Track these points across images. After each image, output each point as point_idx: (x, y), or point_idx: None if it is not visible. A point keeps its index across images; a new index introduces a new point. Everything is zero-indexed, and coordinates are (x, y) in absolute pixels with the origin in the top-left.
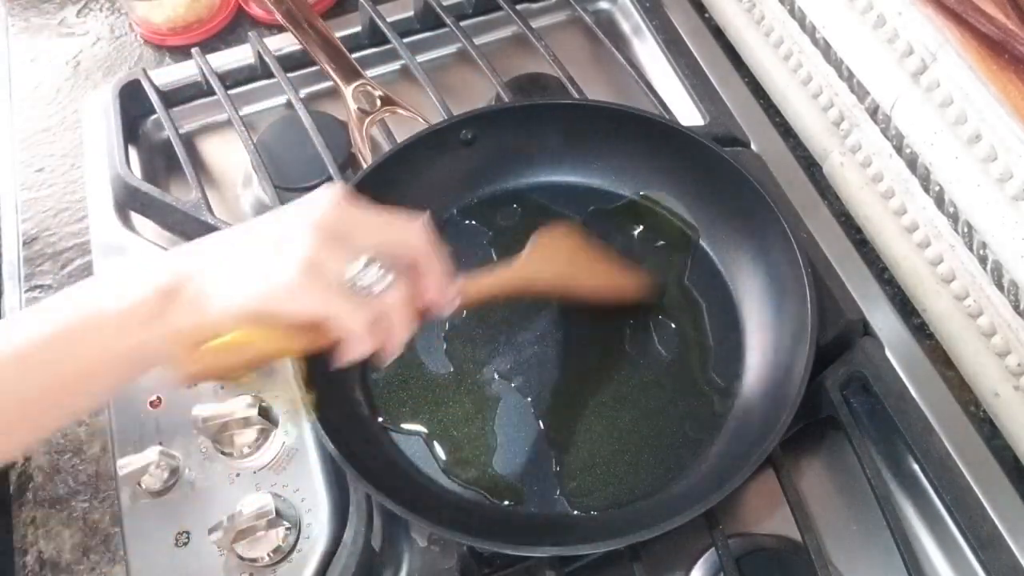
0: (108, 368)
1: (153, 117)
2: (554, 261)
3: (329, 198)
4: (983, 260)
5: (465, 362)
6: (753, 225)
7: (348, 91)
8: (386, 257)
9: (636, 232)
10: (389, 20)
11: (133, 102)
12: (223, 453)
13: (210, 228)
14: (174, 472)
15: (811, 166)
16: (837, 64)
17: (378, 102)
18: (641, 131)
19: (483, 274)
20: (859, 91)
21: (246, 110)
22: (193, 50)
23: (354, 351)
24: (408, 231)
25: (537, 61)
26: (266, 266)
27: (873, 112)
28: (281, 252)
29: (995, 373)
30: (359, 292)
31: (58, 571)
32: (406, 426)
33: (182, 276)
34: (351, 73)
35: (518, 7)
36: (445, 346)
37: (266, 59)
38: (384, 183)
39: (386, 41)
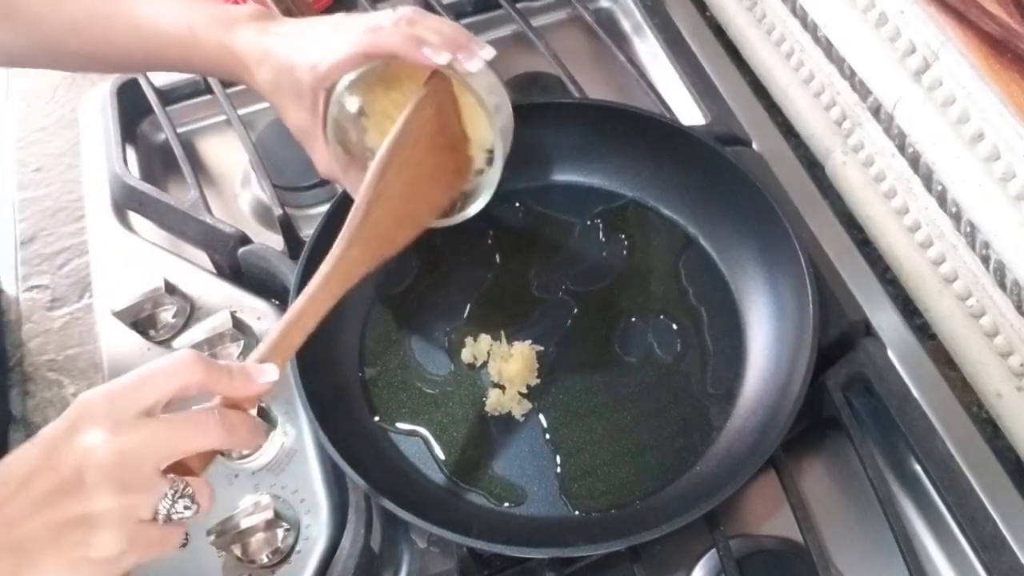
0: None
1: (151, 116)
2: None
3: (96, 447)
4: (986, 260)
5: (465, 361)
6: (754, 225)
7: None
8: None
9: (636, 232)
10: None
11: (131, 101)
12: (221, 454)
13: (209, 228)
14: None
15: (813, 165)
16: (839, 63)
17: None
18: (642, 130)
19: (278, 331)
20: (861, 90)
21: (244, 109)
22: None
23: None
24: (179, 377)
25: (537, 60)
26: (80, 552)
27: (875, 111)
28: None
29: (998, 373)
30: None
31: None
32: (405, 426)
33: None
34: None
35: (518, 5)
36: (446, 346)
37: None
38: None
39: None
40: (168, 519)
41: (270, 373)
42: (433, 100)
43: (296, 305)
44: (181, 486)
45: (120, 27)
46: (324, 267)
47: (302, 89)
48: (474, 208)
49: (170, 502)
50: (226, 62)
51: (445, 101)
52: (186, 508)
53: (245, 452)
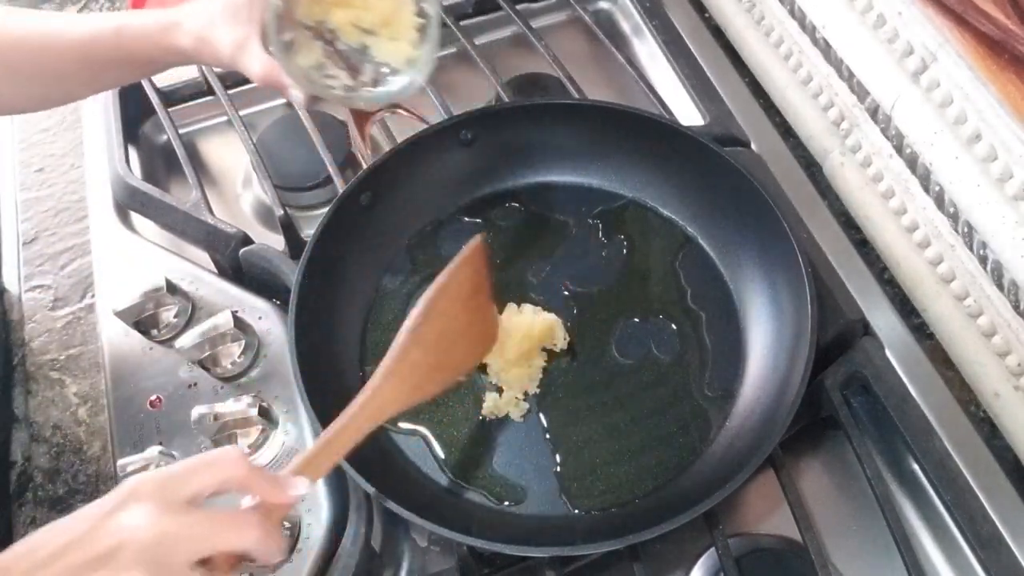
0: None
1: (153, 117)
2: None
3: (140, 526)
4: (983, 260)
5: None
6: (753, 225)
7: None
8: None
9: (635, 232)
10: None
11: (133, 102)
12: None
13: (210, 228)
14: None
15: (811, 166)
16: (837, 64)
17: None
18: (641, 131)
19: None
20: (859, 91)
21: (246, 110)
22: None
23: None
24: (224, 473)
25: (537, 61)
26: None
27: (873, 112)
28: None
29: (995, 373)
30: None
31: None
32: (406, 425)
33: None
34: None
35: (518, 7)
36: None
37: None
38: (384, 183)
39: None
40: None
41: (301, 486)
42: (471, 263)
43: (333, 426)
44: None
45: (55, 32)
46: (360, 397)
47: (238, 6)
48: (400, 80)
49: None
50: (154, 32)
51: (480, 268)
52: None
53: (246, 452)
